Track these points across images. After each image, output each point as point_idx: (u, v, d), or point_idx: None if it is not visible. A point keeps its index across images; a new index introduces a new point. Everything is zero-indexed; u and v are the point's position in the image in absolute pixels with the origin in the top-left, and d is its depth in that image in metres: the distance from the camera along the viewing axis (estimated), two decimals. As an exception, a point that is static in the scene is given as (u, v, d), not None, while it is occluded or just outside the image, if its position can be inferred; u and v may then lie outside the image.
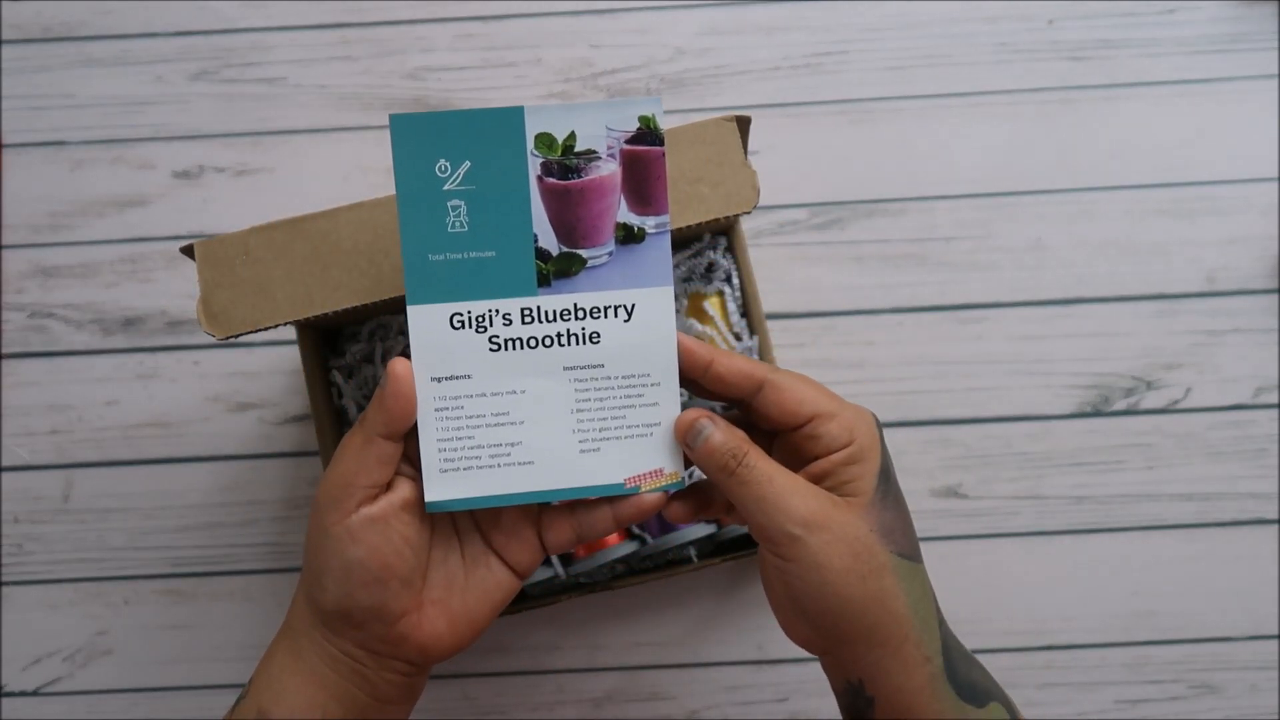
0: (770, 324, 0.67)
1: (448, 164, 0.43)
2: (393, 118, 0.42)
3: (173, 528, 0.68)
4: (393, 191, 0.48)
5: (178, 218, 0.70)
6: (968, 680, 0.42)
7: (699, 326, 0.62)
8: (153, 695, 0.67)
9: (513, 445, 0.44)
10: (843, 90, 0.71)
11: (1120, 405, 0.68)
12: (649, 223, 0.45)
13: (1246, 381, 0.68)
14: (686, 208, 0.48)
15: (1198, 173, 0.69)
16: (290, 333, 0.67)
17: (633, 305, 0.45)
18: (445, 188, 0.43)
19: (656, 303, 0.45)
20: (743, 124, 0.49)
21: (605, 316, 0.45)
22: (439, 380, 0.44)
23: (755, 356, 0.62)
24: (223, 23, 0.72)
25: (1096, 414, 0.68)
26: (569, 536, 0.45)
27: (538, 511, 0.46)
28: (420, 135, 0.42)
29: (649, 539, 0.62)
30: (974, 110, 0.70)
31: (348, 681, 0.43)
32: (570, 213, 0.44)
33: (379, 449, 0.42)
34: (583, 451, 0.45)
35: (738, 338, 0.62)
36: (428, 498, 0.43)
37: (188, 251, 0.48)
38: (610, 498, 0.45)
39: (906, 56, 0.71)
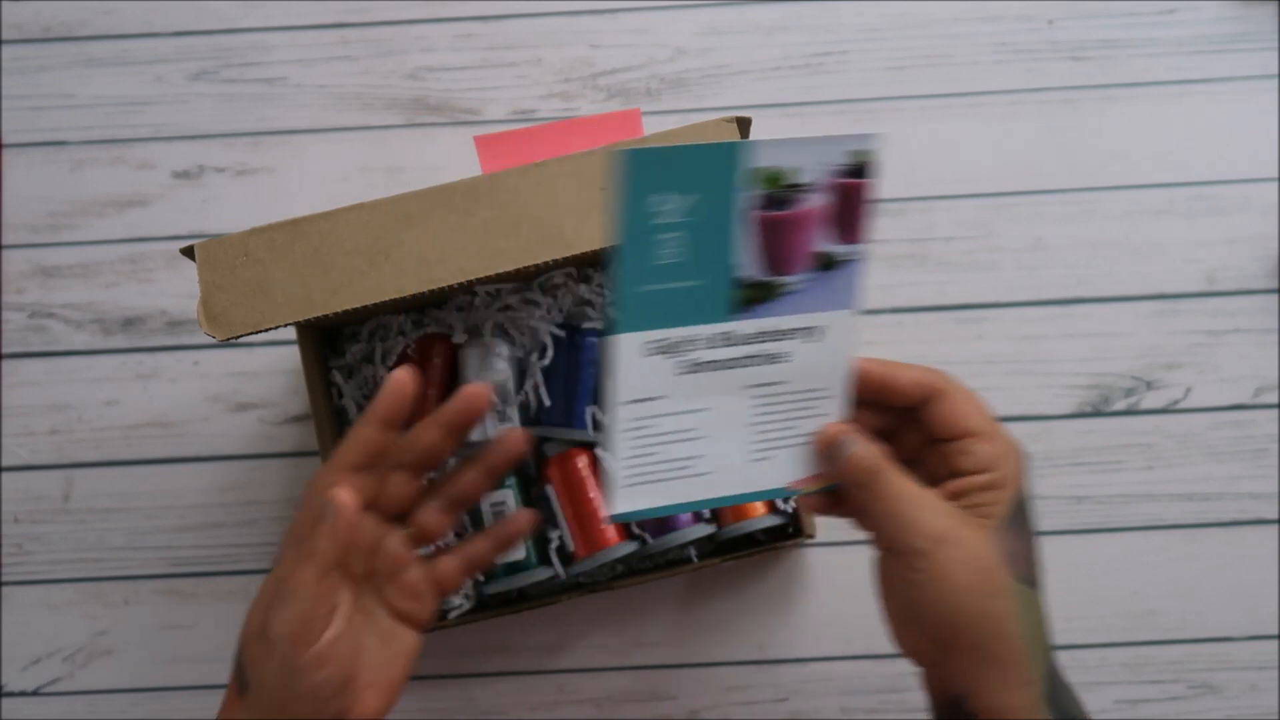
0: (770, 324, 0.67)
1: (665, 197, 0.43)
2: (618, 153, 0.42)
3: (173, 528, 0.68)
4: (393, 192, 0.48)
5: (178, 218, 0.70)
6: (1065, 712, 0.43)
7: (699, 326, 0.62)
8: (153, 695, 0.67)
9: (693, 459, 0.46)
10: (843, 90, 0.71)
11: (1120, 405, 0.68)
12: (848, 251, 0.46)
13: (1246, 381, 0.68)
14: None
15: (1198, 173, 0.69)
16: (290, 333, 0.66)
17: (820, 328, 0.46)
18: (661, 220, 0.43)
19: (843, 325, 0.46)
20: (743, 125, 0.49)
21: (794, 338, 0.46)
22: (634, 402, 0.44)
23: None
24: (223, 23, 0.72)
25: (1096, 414, 0.68)
26: (460, 579, 0.49)
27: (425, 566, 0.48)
28: (642, 169, 0.42)
29: (649, 539, 0.62)
30: (974, 110, 0.70)
31: None
32: (777, 243, 0.45)
33: (332, 579, 0.44)
34: (755, 460, 0.46)
35: (738, 338, 0.62)
36: (615, 510, 0.44)
37: (188, 253, 0.48)
38: (489, 530, 0.49)
39: (906, 56, 0.71)
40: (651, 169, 0.42)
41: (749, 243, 0.44)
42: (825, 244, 0.45)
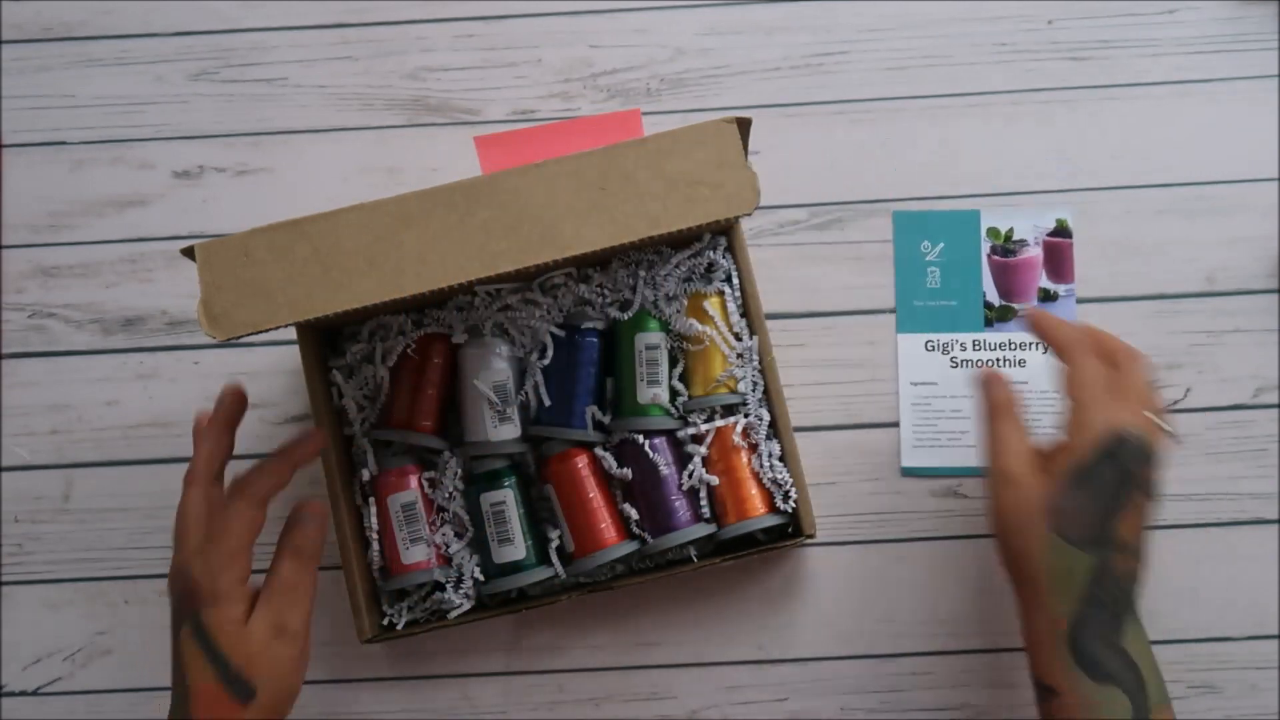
0: (770, 324, 0.67)
1: (929, 243, 0.67)
2: (896, 214, 0.67)
3: (172, 528, 0.68)
4: (393, 193, 0.49)
5: (178, 218, 0.70)
6: (1093, 659, 0.49)
7: (699, 326, 0.62)
8: (153, 695, 0.67)
9: (962, 433, 0.66)
10: (843, 90, 0.71)
11: (1120, 405, 0.68)
12: (1061, 289, 0.67)
13: (1246, 381, 0.68)
14: (688, 210, 0.48)
15: (1198, 173, 0.69)
16: (290, 333, 0.66)
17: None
18: (926, 259, 0.67)
19: None
20: (743, 125, 0.49)
21: (1030, 350, 0.66)
22: (915, 384, 0.66)
23: (754, 357, 0.62)
24: (223, 23, 0.72)
25: (1096, 414, 0.68)
26: None
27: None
28: (912, 224, 0.68)
29: (649, 539, 0.62)
30: (974, 110, 0.70)
31: None
32: (1008, 279, 0.67)
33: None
34: None
35: (738, 337, 0.62)
36: (906, 463, 0.66)
37: (188, 253, 0.48)
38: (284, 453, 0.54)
39: (906, 56, 0.71)
40: (918, 223, 0.67)
41: (989, 278, 0.67)
42: (1045, 283, 0.66)
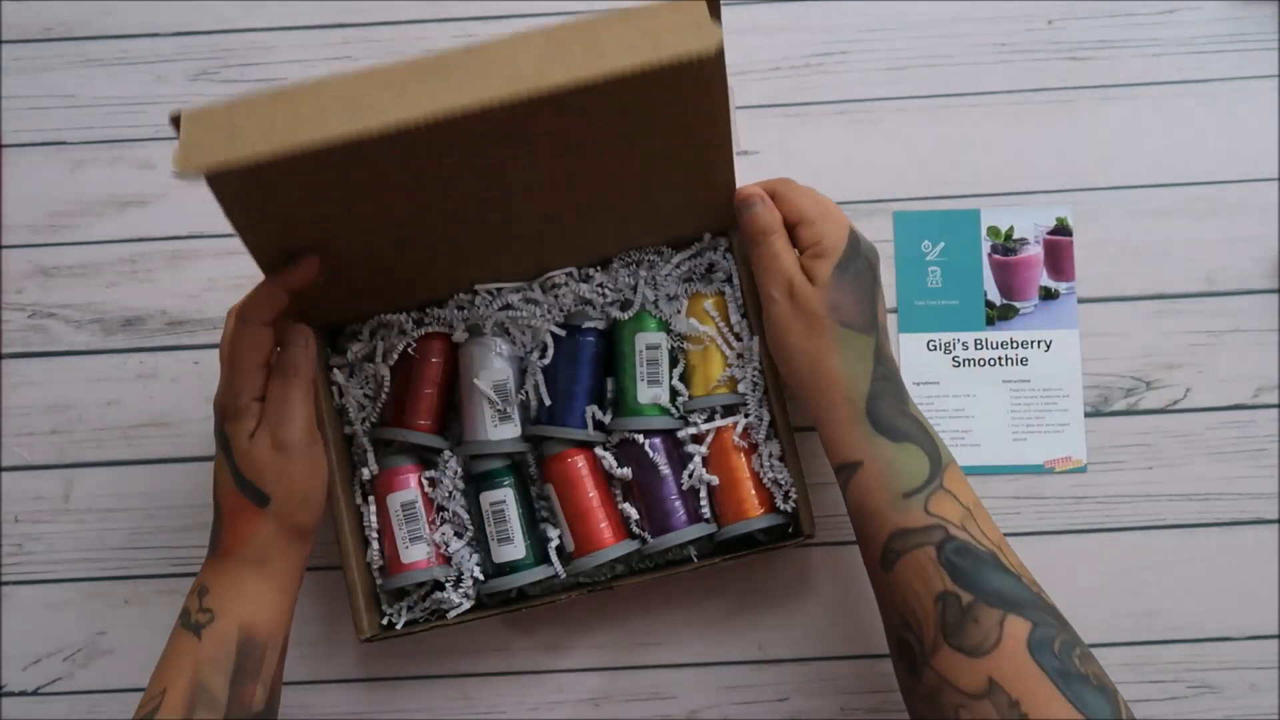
0: (770, 324, 0.67)
1: (930, 243, 0.67)
2: (896, 214, 0.68)
3: (173, 528, 0.68)
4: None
5: (178, 218, 0.70)
6: (889, 424, 0.54)
7: (699, 326, 0.62)
8: (153, 695, 0.67)
9: (966, 432, 0.67)
10: (843, 90, 0.71)
11: (1120, 405, 0.68)
12: (1062, 287, 0.67)
13: (1246, 381, 0.68)
14: (652, 51, 0.46)
15: (1198, 173, 0.69)
16: (290, 332, 0.66)
17: (1050, 341, 0.66)
18: (927, 258, 0.67)
19: (1067, 340, 0.67)
20: (711, 3, 0.48)
21: (1031, 348, 0.66)
22: (918, 384, 0.67)
23: (755, 357, 0.62)
24: (223, 23, 0.72)
25: (1096, 414, 0.68)
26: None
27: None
28: (913, 224, 0.68)
29: (649, 539, 0.62)
30: (974, 110, 0.70)
31: (296, 581, 0.57)
32: (1009, 277, 0.67)
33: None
34: (1014, 440, 0.66)
35: (738, 337, 0.62)
36: None
37: (174, 121, 0.48)
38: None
39: (906, 56, 0.71)
40: (918, 222, 0.68)
41: (990, 276, 0.67)
42: (1046, 280, 0.67)
